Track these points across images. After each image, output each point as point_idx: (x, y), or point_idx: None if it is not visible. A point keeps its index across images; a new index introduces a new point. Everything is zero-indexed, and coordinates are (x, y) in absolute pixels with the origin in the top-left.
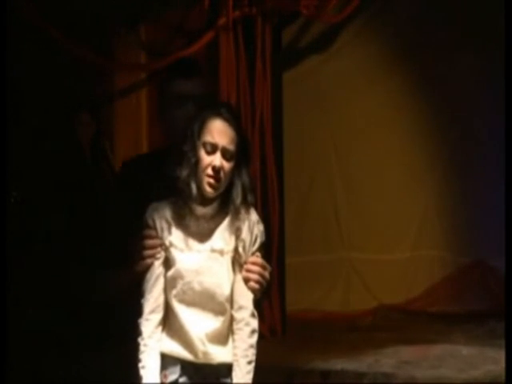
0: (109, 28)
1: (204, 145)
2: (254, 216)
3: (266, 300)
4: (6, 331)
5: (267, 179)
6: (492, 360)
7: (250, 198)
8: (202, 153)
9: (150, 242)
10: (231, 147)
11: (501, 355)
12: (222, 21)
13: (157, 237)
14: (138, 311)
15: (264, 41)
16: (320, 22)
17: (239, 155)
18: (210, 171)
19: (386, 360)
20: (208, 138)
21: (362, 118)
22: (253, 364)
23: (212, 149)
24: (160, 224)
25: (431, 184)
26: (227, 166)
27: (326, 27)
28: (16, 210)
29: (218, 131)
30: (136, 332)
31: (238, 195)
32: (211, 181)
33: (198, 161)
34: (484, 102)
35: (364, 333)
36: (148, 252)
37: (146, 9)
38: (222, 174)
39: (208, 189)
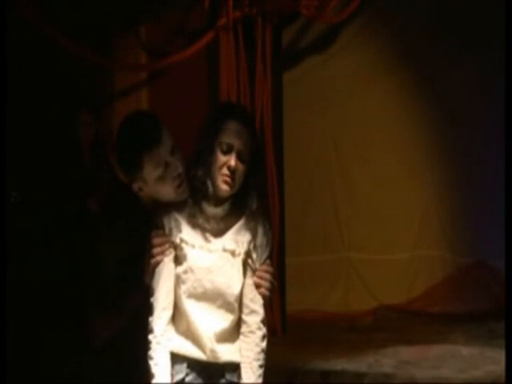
0: (109, 28)
1: (220, 144)
2: (266, 223)
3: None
4: (5, 331)
5: (267, 179)
6: (492, 360)
7: (264, 202)
8: (218, 152)
9: (157, 240)
10: (246, 150)
11: (501, 355)
12: (222, 21)
13: (165, 235)
14: (137, 311)
15: (264, 41)
16: (320, 23)
17: (253, 159)
18: (225, 171)
19: (386, 360)
20: (225, 138)
21: (361, 118)
22: (263, 368)
23: (228, 149)
24: (168, 223)
25: (431, 184)
26: (241, 167)
27: (326, 27)
28: (16, 209)
29: (235, 132)
30: (135, 332)
31: (253, 200)
32: (227, 179)
33: (214, 160)
34: (484, 102)
35: (364, 333)
36: (157, 250)
37: (146, 9)
38: (236, 174)
39: (223, 187)
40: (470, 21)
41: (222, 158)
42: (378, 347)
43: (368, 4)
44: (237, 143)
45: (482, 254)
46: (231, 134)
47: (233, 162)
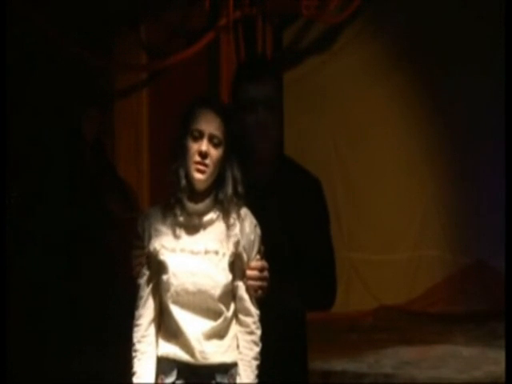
0: (109, 28)
1: (191, 132)
2: (253, 220)
3: None
4: (5, 330)
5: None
6: (492, 360)
7: (240, 189)
8: (190, 141)
9: (135, 252)
10: (218, 133)
11: (501, 356)
12: (222, 21)
13: (141, 246)
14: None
15: (265, 41)
16: (320, 23)
17: (229, 145)
18: (196, 157)
19: (386, 360)
20: (195, 125)
21: (362, 118)
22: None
23: (199, 135)
24: (148, 231)
25: (431, 184)
26: (215, 152)
27: (327, 28)
28: (16, 209)
29: (205, 118)
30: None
31: (228, 186)
32: (199, 167)
33: (186, 150)
34: (485, 102)
35: (364, 333)
36: (135, 261)
37: (146, 9)
38: (209, 160)
39: (197, 176)
40: (470, 20)
41: (193, 146)
42: (378, 347)
43: (368, 4)
44: (207, 128)
45: (482, 254)
46: (201, 121)
47: (204, 146)
